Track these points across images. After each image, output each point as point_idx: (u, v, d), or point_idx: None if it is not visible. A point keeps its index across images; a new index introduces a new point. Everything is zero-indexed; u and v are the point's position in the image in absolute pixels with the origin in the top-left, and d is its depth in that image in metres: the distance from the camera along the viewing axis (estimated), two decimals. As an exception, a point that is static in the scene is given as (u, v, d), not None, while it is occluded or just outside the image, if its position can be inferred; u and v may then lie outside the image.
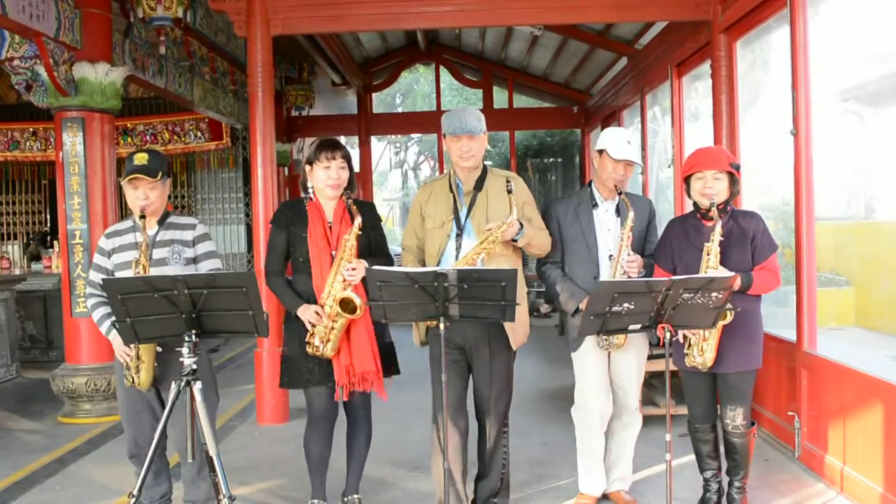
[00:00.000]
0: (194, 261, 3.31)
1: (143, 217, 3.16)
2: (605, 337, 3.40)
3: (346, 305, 3.17)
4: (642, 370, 3.66)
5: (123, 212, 10.51)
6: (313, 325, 3.23)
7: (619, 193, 3.48)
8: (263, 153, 5.53)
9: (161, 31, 6.25)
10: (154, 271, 3.11)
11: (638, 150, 3.53)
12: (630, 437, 3.69)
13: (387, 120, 13.45)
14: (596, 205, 3.57)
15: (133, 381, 3.16)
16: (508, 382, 3.46)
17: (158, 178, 3.19)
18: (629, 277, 3.35)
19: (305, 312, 3.24)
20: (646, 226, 3.60)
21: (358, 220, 3.23)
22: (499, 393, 3.41)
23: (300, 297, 3.30)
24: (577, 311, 3.51)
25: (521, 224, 3.26)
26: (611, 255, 3.46)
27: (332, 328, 3.22)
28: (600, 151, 3.53)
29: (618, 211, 3.54)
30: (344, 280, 3.19)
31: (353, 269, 3.19)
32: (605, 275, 3.46)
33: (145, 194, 3.18)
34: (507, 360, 3.42)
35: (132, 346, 3.09)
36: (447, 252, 3.33)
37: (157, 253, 3.23)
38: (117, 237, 3.31)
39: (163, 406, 3.07)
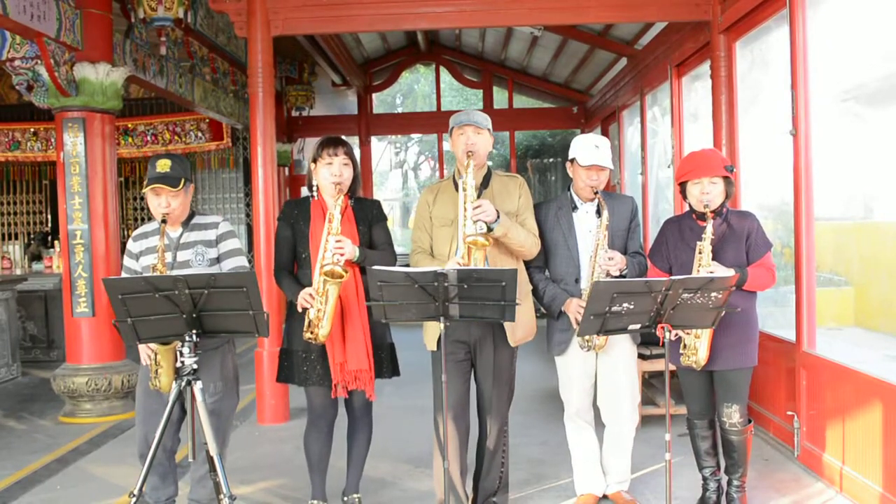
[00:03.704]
0: (218, 260, 3.29)
1: (163, 222, 3.16)
2: (586, 338, 3.40)
3: (332, 274, 3.14)
4: (631, 370, 3.64)
5: (125, 212, 10.59)
6: (306, 311, 3.23)
7: (596, 194, 3.47)
8: (264, 153, 5.55)
9: (162, 32, 6.26)
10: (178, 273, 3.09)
11: (608, 152, 3.49)
12: (627, 438, 3.67)
13: (387, 120, 13.45)
14: (576, 207, 3.57)
15: (156, 385, 3.16)
16: (510, 380, 3.47)
17: (181, 186, 3.16)
18: (609, 275, 3.36)
19: (299, 296, 3.25)
20: (627, 224, 3.57)
21: (341, 199, 3.25)
22: (500, 390, 3.42)
23: (302, 287, 3.30)
24: (560, 314, 3.52)
25: (499, 214, 3.22)
26: (591, 256, 3.45)
27: (322, 309, 3.18)
28: (572, 161, 3.54)
29: (598, 212, 3.52)
30: (333, 255, 3.17)
31: (338, 241, 3.18)
32: (586, 276, 3.46)
33: (167, 202, 3.16)
34: (509, 356, 3.43)
35: (152, 351, 3.10)
36: (459, 252, 3.31)
37: (182, 255, 3.23)
38: (144, 239, 3.31)
39: (183, 408, 3.07)
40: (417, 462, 4.42)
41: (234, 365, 3.40)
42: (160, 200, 3.17)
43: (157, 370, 3.12)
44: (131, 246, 3.33)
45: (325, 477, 3.57)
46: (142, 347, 3.16)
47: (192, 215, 3.32)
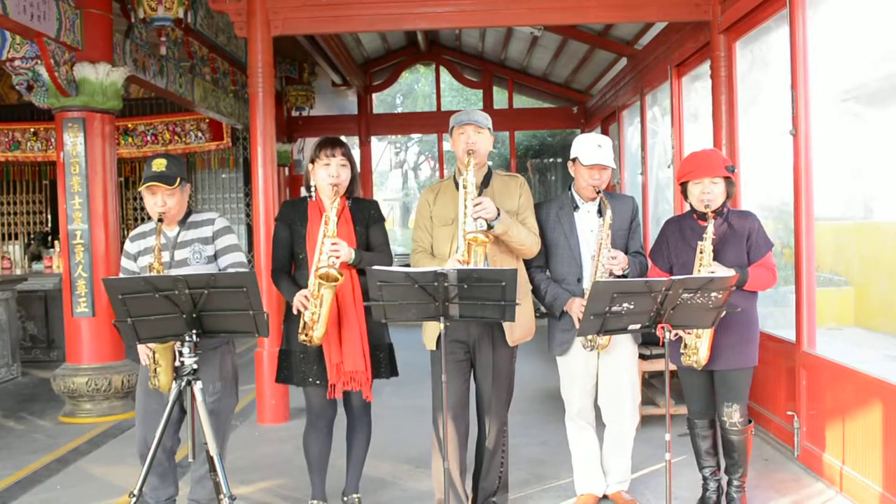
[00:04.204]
0: (215, 256, 3.28)
1: (160, 221, 3.16)
2: (589, 338, 3.40)
3: (327, 277, 3.14)
4: (632, 370, 3.64)
5: (125, 212, 10.59)
6: (301, 313, 3.22)
7: (598, 193, 3.47)
8: (264, 153, 5.55)
9: (162, 32, 6.26)
10: (176, 273, 3.09)
11: (610, 152, 3.49)
12: (627, 439, 3.68)
13: (387, 120, 13.45)
14: (577, 207, 3.57)
15: (156, 384, 3.15)
16: (509, 380, 3.47)
17: (176, 184, 3.17)
18: (612, 275, 3.36)
19: (294, 299, 3.25)
20: (628, 224, 3.57)
21: (337, 200, 3.25)
22: (499, 390, 3.42)
23: (300, 288, 3.30)
24: (562, 314, 3.52)
25: (499, 211, 3.22)
26: (593, 256, 3.45)
27: (316, 312, 3.17)
28: (574, 160, 3.54)
29: (599, 212, 3.52)
30: (329, 257, 3.16)
31: (334, 243, 3.17)
32: (588, 276, 3.46)
33: (163, 201, 3.17)
34: (508, 356, 3.43)
35: (151, 350, 3.09)
36: (460, 250, 3.31)
37: (179, 254, 3.23)
38: (141, 240, 3.31)
39: (182, 408, 3.07)
40: (417, 462, 4.42)
41: (234, 365, 3.40)
42: (156, 199, 3.17)
43: (155, 369, 3.12)
44: (128, 247, 3.33)
45: (325, 477, 3.57)
46: (140, 347, 3.16)
47: (188, 214, 3.32)
